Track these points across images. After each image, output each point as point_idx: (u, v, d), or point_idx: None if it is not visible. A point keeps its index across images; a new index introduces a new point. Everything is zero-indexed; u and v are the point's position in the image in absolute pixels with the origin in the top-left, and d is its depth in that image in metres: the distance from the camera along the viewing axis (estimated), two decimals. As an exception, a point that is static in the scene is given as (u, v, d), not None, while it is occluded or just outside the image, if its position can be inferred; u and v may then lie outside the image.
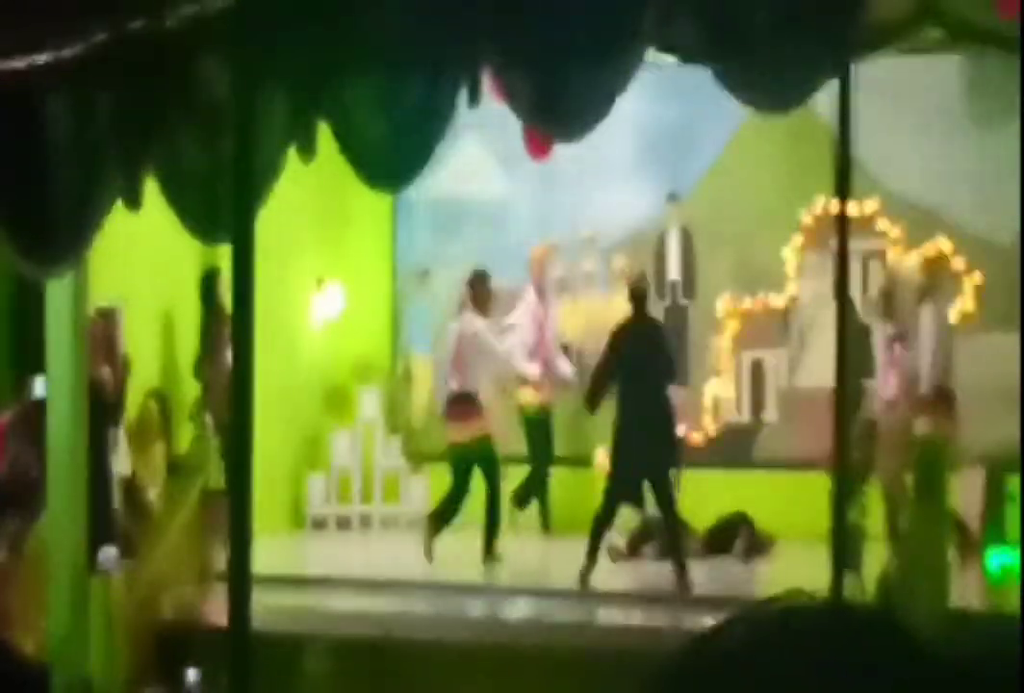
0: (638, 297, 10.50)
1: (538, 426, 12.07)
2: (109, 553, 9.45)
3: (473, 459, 11.04)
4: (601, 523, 10.05)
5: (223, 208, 6.10)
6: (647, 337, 10.36)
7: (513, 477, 11.99)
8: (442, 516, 10.96)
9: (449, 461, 11.26)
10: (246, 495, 5.83)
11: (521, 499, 12.12)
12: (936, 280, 11.12)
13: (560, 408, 12.44)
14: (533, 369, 11.95)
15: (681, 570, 9.84)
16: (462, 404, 11.05)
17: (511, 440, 11.94)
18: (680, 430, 11.05)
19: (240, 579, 5.79)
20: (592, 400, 10.35)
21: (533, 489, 12.12)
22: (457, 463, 11.11)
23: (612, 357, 10.29)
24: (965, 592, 8.99)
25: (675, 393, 10.59)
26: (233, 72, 6.07)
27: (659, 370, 10.26)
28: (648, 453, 10.08)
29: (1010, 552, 10.54)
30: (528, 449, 12.11)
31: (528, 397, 12.05)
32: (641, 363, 10.17)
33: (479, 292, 11.22)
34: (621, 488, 10.23)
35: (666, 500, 10.13)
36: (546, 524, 12.11)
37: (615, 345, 10.32)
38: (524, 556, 11.44)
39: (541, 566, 11.50)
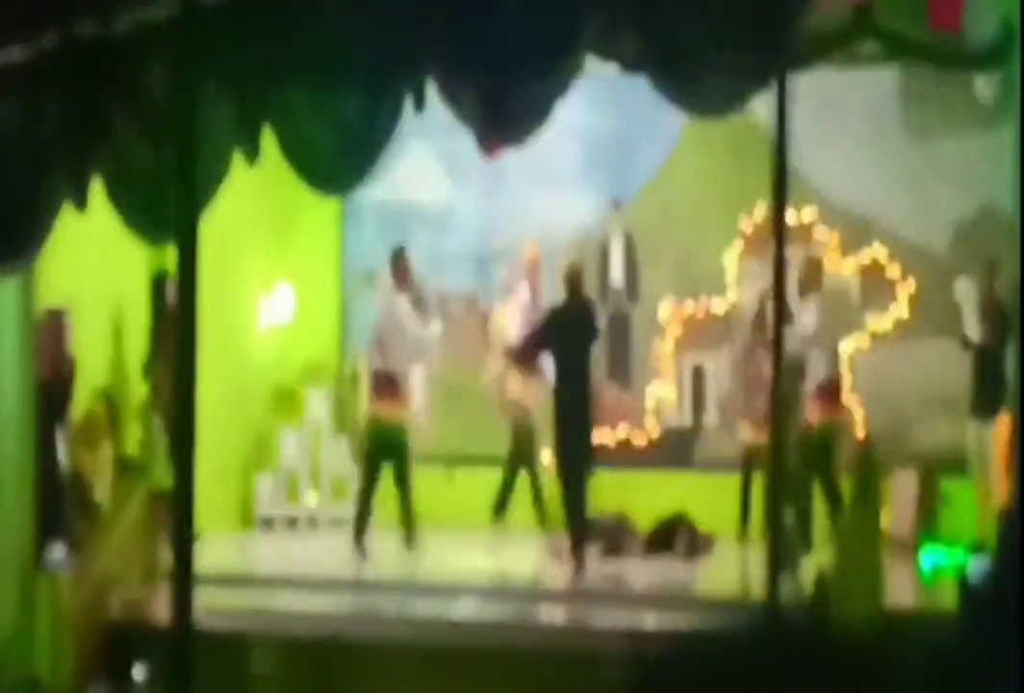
0: (572, 280, 10.84)
1: (525, 430, 12.09)
2: (56, 552, 9.48)
3: (385, 442, 11.13)
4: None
5: (168, 211, 6.18)
6: (582, 316, 10.80)
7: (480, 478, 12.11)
8: (363, 514, 11.14)
9: (365, 439, 11.36)
10: (190, 495, 5.91)
11: (499, 506, 12.15)
12: (816, 277, 11.39)
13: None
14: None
15: (579, 562, 10.24)
16: (383, 383, 11.16)
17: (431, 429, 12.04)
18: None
19: (183, 578, 5.87)
20: (520, 361, 11.14)
21: (512, 492, 12.11)
22: (371, 444, 11.22)
23: (547, 330, 10.73)
24: (899, 592, 9.15)
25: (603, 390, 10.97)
26: (178, 78, 6.15)
27: (589, 345, 10.72)
28: (575, 439, 10.47)
29: (943, 552, 10.74)
30: (511, 450, 12.11)
31: (516, 396, 12.12)
32: (576, 342, 10.62)
33: (398, 268, 11.38)
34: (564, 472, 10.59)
35: (579, 491, 10.46)
36: (544, 523, 12.12)
37: (551, 321, 10.77)
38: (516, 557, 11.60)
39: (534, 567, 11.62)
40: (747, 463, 11.41)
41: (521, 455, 12.08)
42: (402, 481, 11.15)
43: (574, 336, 10.66)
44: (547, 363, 11.80)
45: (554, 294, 11.54)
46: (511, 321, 12.19)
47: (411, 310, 11.30)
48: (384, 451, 11.16)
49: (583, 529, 10.56)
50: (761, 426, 11.09)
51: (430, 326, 11.42)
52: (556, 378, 10.70)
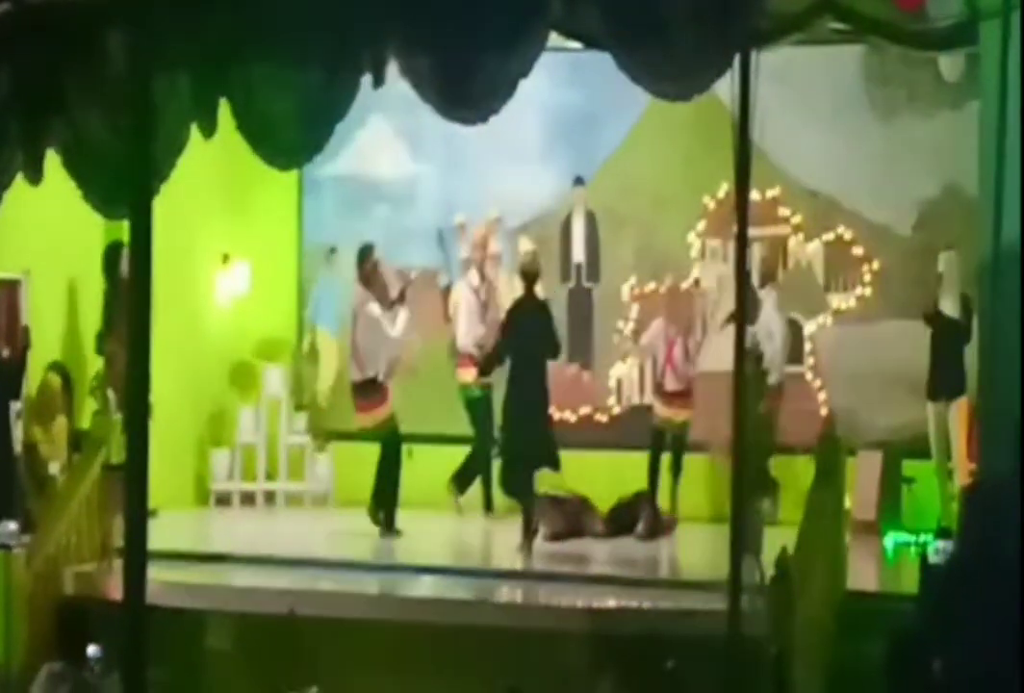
0: (528, 276, 10.81)
1: (480, 405, 12.04)
2: (9, 528, 9.41)
3: (381, 439, 11.13)
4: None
5: (125, 183, 6.10)
6: (534, 315, 10.71)
7: (440, 456, 12.08)
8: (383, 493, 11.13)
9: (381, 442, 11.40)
10: (144, 470, 5.85)
11: (462, 483, 12.15)
12: (774, 267, 11.45)
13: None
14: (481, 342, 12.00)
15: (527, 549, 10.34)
16: (366, 392, 11.10)
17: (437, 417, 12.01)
18: (554, 411, 11.25)
19: (137, 554, 5.81)
20: (485, 368, 11.20)
21: (476, 469, 12.09)
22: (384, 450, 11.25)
23: (507, 331, 10.70)
24: (861, 573, 9.17)
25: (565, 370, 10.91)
26: (135, 49, 6.07)
27: (542, 347, 10.63)
28: (525, 432, 10.46)
29: (906, 533, 10.76)
30: (472, 428, 12.08)
31: (469, 376, 12.05)
32: (527, 340, 10.56)
33: (365, 267, 11.28)
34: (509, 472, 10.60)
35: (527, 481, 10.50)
36: (489, 505, 12.11)
37: (509, 319, 10.76)
38: (468, 536, 11.60)
39: (484, 546, 11.58)
40: (657, 439, 11.35)
41: (480, 432, 12.06)
42: (389, 469, 11.11)
43: (526, 340, 10.58)
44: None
45: (513, 277, 11.53)
46: (460, 305, 12.09)
47: (381, 314, 11.19)
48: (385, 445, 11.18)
49: (531, 512, 10.57)
50: (673, 404, 11.24)
51: (398, 322, 11.30)
52: (510, 375, 10.66)
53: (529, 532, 10.47)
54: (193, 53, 6.50)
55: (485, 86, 6.49)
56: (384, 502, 11.10)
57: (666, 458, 11.26)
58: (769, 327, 11.26)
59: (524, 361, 10.52)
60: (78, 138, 7.00)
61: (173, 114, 6.58)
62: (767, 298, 11.38)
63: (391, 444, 11.13)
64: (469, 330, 12.05)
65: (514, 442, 10.54)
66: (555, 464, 10.53)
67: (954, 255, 10.83)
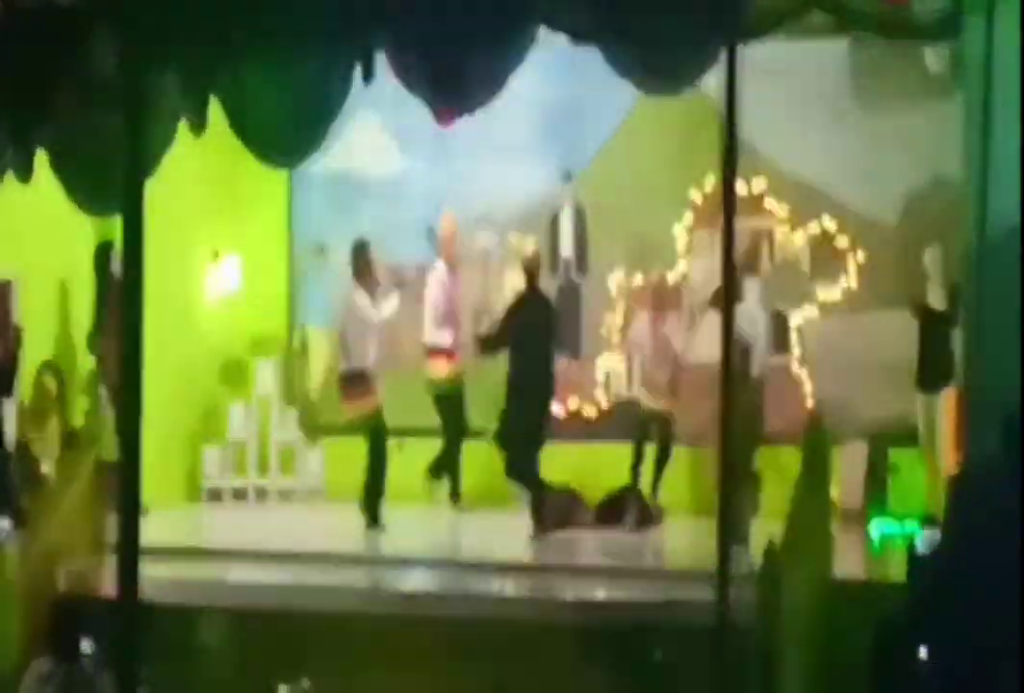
0: (530, 272, 10.98)
1: (449, 399, 12.05)
2: (2, 524, 9.42)
3: (366, 431, 11.16)
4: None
5: (112, 182, 6.12)
6: (539, 309, 10.94)
7: (421, 450, 12.10)
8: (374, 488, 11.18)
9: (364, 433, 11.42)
10: (136, 467, 5.88)
11: (436, 472, 12.17)
12: (757, 255, 11.49)
13: (477, 381, 12.60)
14: (445, 338, 12.01)
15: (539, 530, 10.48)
16: (353, 383, 11.14)
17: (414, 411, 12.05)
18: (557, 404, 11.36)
19: (129, 550, 5.85)
20: (488, 348, 11.17)
21: (446, 462, 12.15)
22: (370, 438, 11.28)
23: (509, 322, 10.87)
24: (848, 562, 9.20)
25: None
26: (125, 48, 6.09)
27: (547, 341, 10.89)
28: (528, 423, 10.65)
29: (892, 523, 10.81)
30: (441, 422, 12.11)
31: (438, 370, 12.07)
32: (532, 333, 10.76)
33: (359, 263, 11.33)
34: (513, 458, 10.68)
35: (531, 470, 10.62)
36: (456, 497, 12.16)
37: (512, 312, 10.91)
38: (438, 529, 11.61)
39: (451, 539, 11.61)
40: (642, 430, 11.43)
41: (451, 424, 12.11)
42: (375, 463, 11.15)
43: (530, 326, 10.80)
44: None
45: (502, 272, 11.58)
46: (428, 299, 12.12)
47: (371, 304, 11.23)
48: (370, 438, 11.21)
49: (539, 499, 10.67)
50: (662, 394, 11.34)
51: (385, 306, 11.35)
52: (512, 366, 10.82)
53: (541, 520, 10.52)
54: (184, 51, 6.52)
55: (473, 80, 6.52)
56: (369, 496, 11.13)
57: (652, 451, 11.33)
58: (752, 316, 11.31)
59: (531, 351, 10.72)
60: (64, 135, 7.02)
61: (161, 110, 6.60)
62: (750, 289, 11.42)
63: (376, 438, 11.14)
64: (437, 325, 12.06)
65: (520, 427, 10.66)
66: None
67: (938, 246, 10.89)
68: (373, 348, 11.21)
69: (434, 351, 12.08)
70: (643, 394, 11.53)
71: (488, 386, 11.59)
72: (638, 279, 12.76)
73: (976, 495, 5.59)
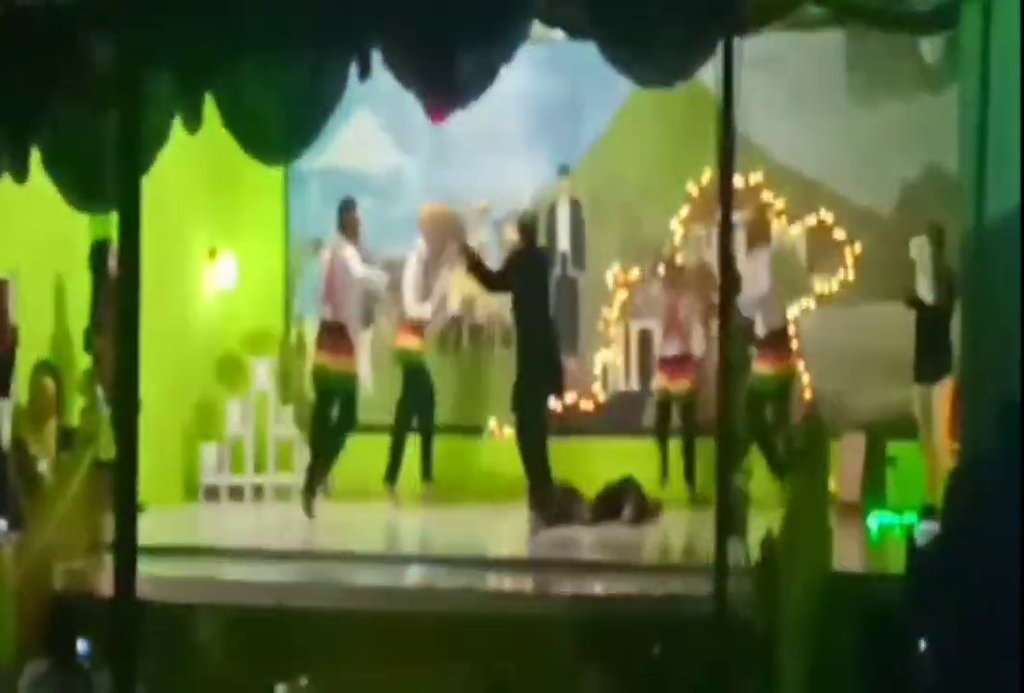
0: (527, 227, 11.16)
1: (417, 372, 12.12)
2: (-1, 524, 9.42)
3: (334, 392, 11.17)
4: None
5: (106, 180, 6.12)
6: (538, 262, 11.26)
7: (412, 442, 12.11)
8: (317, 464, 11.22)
9: (313, 383, 11.40)
10: (133, 465, 5.87)
11: (392, 476, 12.13)
12: (762, 228, 11.57)
13: (449, 375, 12.59)
14: (425, 311, 12.04)
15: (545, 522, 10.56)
16: (332, 334, 11.18)
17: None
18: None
19: (126, 548, 5.83)
20: (494, 285, 11.21)
21: (399, 454, 12.10)
22: (319, 394, 11.27)
23: (509, 270, 11.03)
24: (846, 554, 9.19)
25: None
26: (120, 47, 6.08)
27: (545, 297, 11.16)
28: (544, 362, 10.85)
29: (891, 515, 10.81)
30: (405, 396, 12.13)
31: (410, 342, 12.10)
32: (533, 286, 11.00)
33: (346, 218, 11.42)
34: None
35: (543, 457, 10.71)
36: (428, 475, 12.16)
37: (512, 262, 11.07)
38: (410, 525, 11.61)
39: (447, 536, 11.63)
40: (662, 412, 11.52)
41: (416, 407, 12.09)
42: (346, 427, 11.12)
43: (530, 279, 10.95)
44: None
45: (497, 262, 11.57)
46: (407, 273, 12.13)
47: (357, 255, 11.31)
48: (331, 400, 11.19)
49: (548, 489, 10.74)
50: (671, 371, 11.59)
51: (374, 271, 11.43)
52: (516, 321, 11.01)
53: (552, 508, 10.59)
54: (179, 50, 6.51)
55: (469, 75, 6.50)
56: (315, 472, 11.21)
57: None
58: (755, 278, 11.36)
59: (534, 303, 10.95)
60: (59, 133, 7.01)
61: (156, 108, 6.59)
62: (760, 259, 11.46)
63: (345, 398, 11.13)
64: (418, 299, 12.06)
65: (535, 379, 10.82)
66: (560, 391, 11.12)
67: (925, 241, 10.90)
68: (354, 304, 11.26)
69: (411, 324, 12.12)
70: (657, 373, 11.68)
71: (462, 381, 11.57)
72: (634, 273, 12.78)
73: (974, 486, 5.58)
